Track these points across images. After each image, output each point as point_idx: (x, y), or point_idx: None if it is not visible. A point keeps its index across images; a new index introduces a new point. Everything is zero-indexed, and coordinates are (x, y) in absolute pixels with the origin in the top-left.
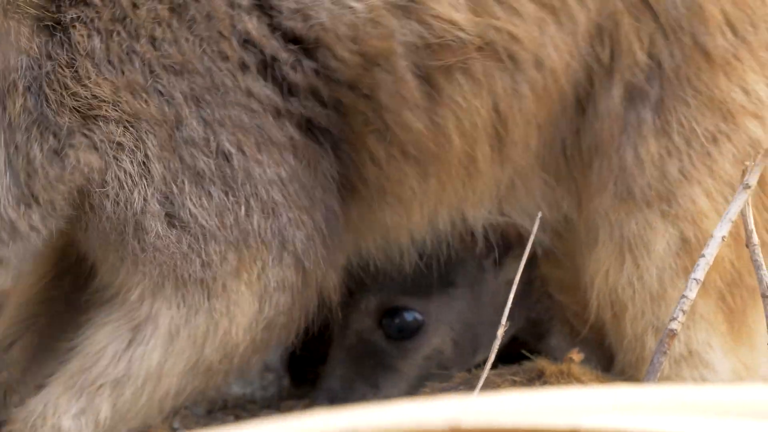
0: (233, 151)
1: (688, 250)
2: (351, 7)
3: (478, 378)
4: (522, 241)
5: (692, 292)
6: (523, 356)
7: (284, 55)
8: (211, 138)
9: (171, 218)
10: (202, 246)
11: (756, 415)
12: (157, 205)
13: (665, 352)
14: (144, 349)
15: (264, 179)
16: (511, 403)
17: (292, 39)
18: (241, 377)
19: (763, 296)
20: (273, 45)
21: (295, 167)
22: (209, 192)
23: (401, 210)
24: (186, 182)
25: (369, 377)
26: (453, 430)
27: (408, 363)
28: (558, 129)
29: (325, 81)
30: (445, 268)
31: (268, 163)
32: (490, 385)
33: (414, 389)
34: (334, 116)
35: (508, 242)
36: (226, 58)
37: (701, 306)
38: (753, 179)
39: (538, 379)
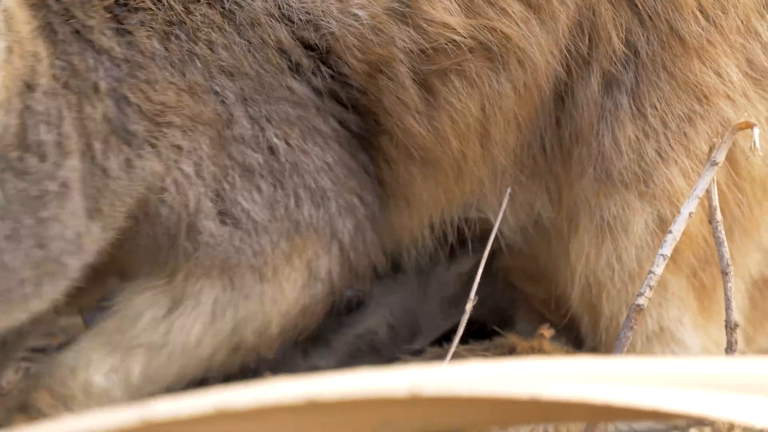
0: (280, 144)
1: (665, 228)
2: (356, 15)
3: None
4: (484, 235)
5: (659, 268)
6: (495, 332)
7: (306, 61)
8: (260, 135)
9: (223, 216)
10: (255, 239)
11: (719, 387)
12: (210, 203)
13: (632, 327)
14: (184, 321)
15: (311, 168)
16: (473, 372)
17: (308, 47)
18: None
19: (723, 273)
20: (297, 52)
21: (341, 154)
22: (259, 186)
23: (408, 212)
24: (237, 178)
25: (299, 342)
26: (413, 397)
27: (338, 338)
28: (537, 125)
29: (341, 85)
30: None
31: (314, 151)
32: (460, 360)
33: (343, 364)
34: (355, 118)
35: (462, 235)
36: (269, 61)
37: (673, 283)
38: (720, 156)
39: (509, 354)
